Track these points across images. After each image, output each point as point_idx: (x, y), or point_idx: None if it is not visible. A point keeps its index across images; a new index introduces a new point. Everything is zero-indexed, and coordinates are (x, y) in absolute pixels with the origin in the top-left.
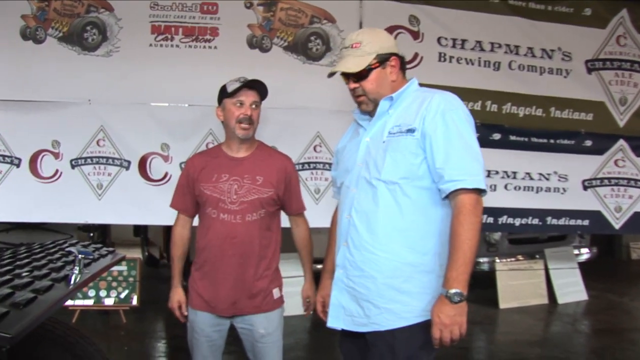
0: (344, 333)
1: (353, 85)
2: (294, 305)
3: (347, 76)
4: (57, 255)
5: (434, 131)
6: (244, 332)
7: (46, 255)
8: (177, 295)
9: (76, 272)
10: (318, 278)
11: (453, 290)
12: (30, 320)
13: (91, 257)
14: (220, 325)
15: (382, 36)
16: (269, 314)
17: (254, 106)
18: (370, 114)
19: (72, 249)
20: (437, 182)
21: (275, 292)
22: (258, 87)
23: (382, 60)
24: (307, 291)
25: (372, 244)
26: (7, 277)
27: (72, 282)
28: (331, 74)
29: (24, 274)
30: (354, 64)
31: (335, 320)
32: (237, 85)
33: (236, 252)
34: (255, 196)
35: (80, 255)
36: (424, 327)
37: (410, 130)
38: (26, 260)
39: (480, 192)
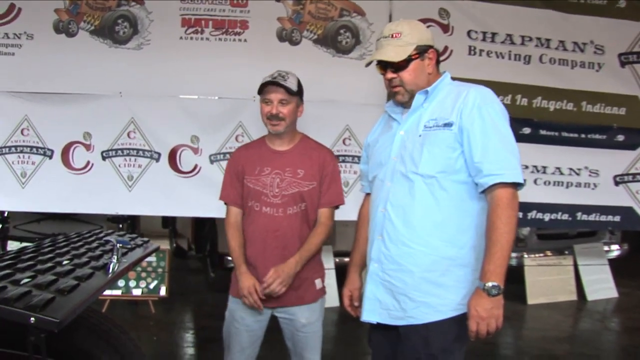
0: (374, 326)
1: (391, 75)
2: None
3: (383, 66)
4: (95, 245)
5: (471, 125)
6: (285, 322)
7: (84, 244)
8: (248, 280)
9: (114, 260)
10: (344, 271)
11: (490, 284)
12: (75, 306)
13: (129, 246)
14: (261, 315)
15: (421, 28)
16: (311, 305)
17: (282, 103)
18: (405, 105)
19: (109, 238)
20: (474, 176)
21: (318, 283)
22: (285, 84)
23: (422, 51)
24: (281, 270)
25: (408, 237)
26: (50, 264)
27: (110, 270)
28: (369, 63)
29: (65, 262)
30: (395, 53)
31: (371, 314)
32: (264, 82)
33: (279, 244)
34: (296, 189)
35: (118, 245)
36: (458, 320)
37: (448, 125)
38: (66, 249)
39: (517, 185)
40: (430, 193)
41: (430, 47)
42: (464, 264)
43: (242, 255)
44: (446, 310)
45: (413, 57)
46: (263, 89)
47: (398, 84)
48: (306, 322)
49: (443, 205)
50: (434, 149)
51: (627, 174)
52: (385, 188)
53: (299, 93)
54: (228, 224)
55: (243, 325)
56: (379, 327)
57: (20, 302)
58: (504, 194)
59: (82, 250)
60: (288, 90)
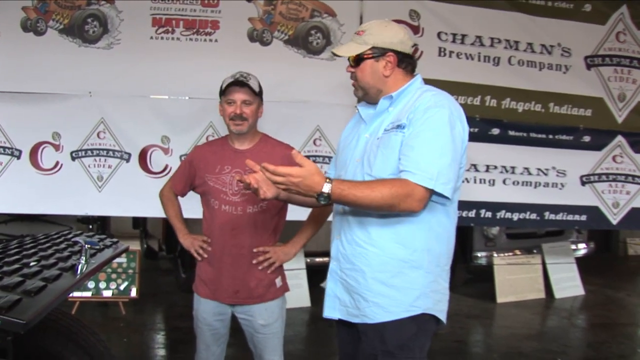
0: (340, 322)
1: (349, 69)
2: (292, 298)
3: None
4: (63, 246)
5: (412, 125)
6: (244, 323)
7: (52, 245)
8: (188, 238)
9: (83, 261)
10: (314, 271)
11: (327, 191)
12: (41, 308)
13: (97, 247)
14: (222, 314)
15: (388, 31)
16: (268, 304)
17: (245, 104)
18: (364, 100)
19: (78, 239)
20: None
21: (277, 282)
22: (249, 84)
23: (377, 53)
24: (277, 253)
25: (362, 238)
26: (17, 265)
27: (79, 271)
28: (333, 55)
29: (32, 263)
30: (348, 49)
31: (332, 311)
32: (227, 83)
33: (237, 242)
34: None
35: (86, 245)
36: (414, 319)
37: (400, 127)
38: (33, 250)
39: (431, 192)
40: None
41: (391, 50)
42: (417, 266)
43: (180, 221)
44: (397, 312)
45: (365, 56)
46: (226, 89)
47: (354, 79)
48: (265, 323)
49: None
50: (387, 151)
51: (593, 174)
52: None
53: (260, 94)
54: (162, 195)
55: (205, 324)
56: (344, 323)
57: None
58: (414, 187)
59: (50, 251)
60: (251, 90)
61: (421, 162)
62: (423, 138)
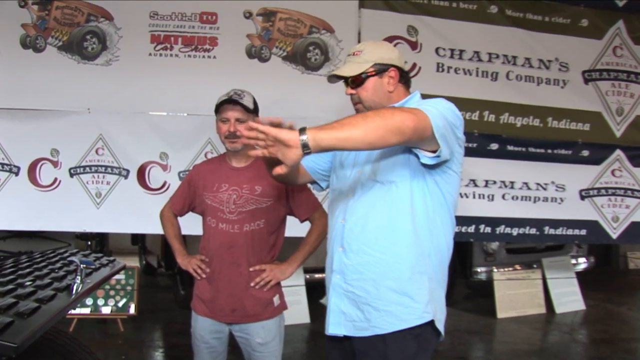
0: (332, 341)
1: (350, 91)
2: (291, 314)
3: (347, 83)
4: (58, 265)
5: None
6: (241, 341)
7: (48, 264)
8: (186, 258)
9: (78, 281)
10: (314, 288)
11: (308, 137)
12: (34, 330)
13: (93, 266)
14: (219, 332)
15: (384, 47)
16: (266, 322)
17: (238, 122)
18: None
19: (73, 258)
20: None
21: (275, 300)
22: (241, 102)
23: (380, 69)
24: (273, 271)
25: (369, 245)
26: (11, 286)
27: (74, 291)
28: (330, 78)
29: (27, 283)
30: (350, 69)
31: (337, 327)
32: (220, 100)
33: (234, 261)
34: (254, 206)
35: (82, 265)
36: (416, 334)
37: None
38: (28, 270)
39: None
40: (388, 201)
41: (393, 65)
42: (422, 271)
43: (179, 242)
44: (411, 319)
45: (369, 74)
46: (219, 107)
47: (357, 100)
48: (262, 341)
49: (404, 211)
50: (390, 155)
51: (592, 189)
52: (345, 199)
53: (255, 111)
54: (162, 215)
55: (202, 341)
56: (336, 343)
57: None
58: (417, 111)
59: (45, 271)
60: (245, 108)
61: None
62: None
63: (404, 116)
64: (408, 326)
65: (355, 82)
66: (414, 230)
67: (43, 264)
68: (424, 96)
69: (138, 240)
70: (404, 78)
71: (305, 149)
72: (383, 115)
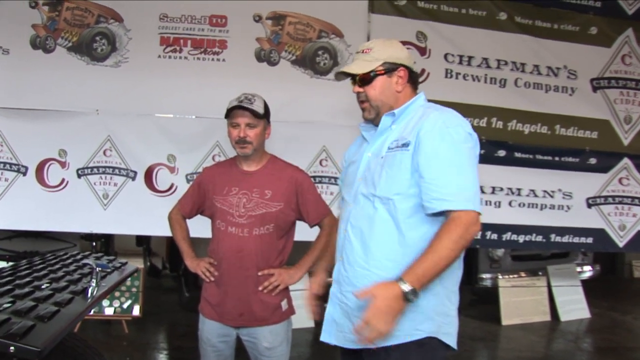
0: (343, 350)
1: (357, 89)
2: (298, 318)
3: (354, 81)
4: (72, 267)
5: (426, 145)
6: (248, 345)
7: (62, 266)
8: (194, 261)
9: (93, 284)
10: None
11: (410, 287)
12: (55, 333)
13: (108, 269)
14: (226, 335)
15: (394, 46)
16: (274, 327)
17: (249, 127)
18: (374, 122)
19: (88, 261)
20: (422, 197)
21: (283, 305)
22: (251, 108)
23: (389, 68)
24: (282, 275)
25: (365, 259)
26: (28, 289)
27: (89, 294)
28: (338, 75)
29: (44, 286)
30: (358, 67)
31: (328, 336)
32: (231, 106)
33: (243, 265)
34: (263, 210)
35: (97, 268)
36: (419, 344)
37: (405, 145)
38: (44, 272)
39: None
40: (388, 215)
41: (402, 65)
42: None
43: (188, 244)
44: (401, 335)
45: (378, 72)
46: (230, 112)
47: (364, 99)
48: (269, 345)
49: (400, 228)
50: (392, 171)
51: (599, 197)
52: (348, 209)
53: (265, 115)
54: (170, 217)
55: (209, 345)
56: (347, 351)
57: (0, 329)
58: (464, 215)
59: (60, 273)
60: (254, 113)
61: (455, 187)
62: (448, 160)
63: (474, 230)
64: (397, 342)
65: (364, 80)
66: (412, 248)
67: (57, 266)
68: (432, 102)
69: (143, 241)
70: (413, 79)
71: (412, 295)
72: (462, 240)
